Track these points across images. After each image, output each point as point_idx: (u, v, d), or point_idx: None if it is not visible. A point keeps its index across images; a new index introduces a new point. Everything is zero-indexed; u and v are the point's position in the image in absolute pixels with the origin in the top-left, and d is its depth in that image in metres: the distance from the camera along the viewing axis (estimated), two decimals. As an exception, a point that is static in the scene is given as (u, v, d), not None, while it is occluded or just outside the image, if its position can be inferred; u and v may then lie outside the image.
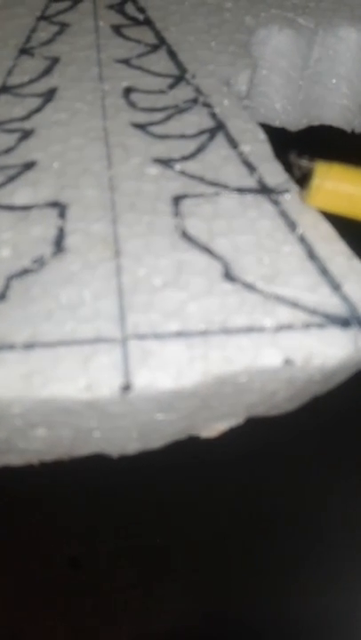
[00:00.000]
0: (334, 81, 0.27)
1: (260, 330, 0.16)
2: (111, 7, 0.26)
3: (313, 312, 0.17)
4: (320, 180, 0.19)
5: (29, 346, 0.16)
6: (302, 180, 0.19)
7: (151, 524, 0.19)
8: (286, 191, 0.19)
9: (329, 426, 0.21)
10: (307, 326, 0.16)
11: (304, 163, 0.19)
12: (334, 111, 0.28)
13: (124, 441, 0.18)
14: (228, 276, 0.17)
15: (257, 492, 0.19)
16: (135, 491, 0.19)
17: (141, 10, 0.25)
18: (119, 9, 0.26)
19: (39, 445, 0.17)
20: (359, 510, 0.20)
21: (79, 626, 0.18)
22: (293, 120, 0.28)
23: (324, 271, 0.17)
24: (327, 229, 0.19)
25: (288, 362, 0.16)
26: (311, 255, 0.18)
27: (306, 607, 0.18)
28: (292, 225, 0.18)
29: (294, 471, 0.20)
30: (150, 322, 0.16)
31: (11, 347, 0.16)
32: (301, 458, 0.20)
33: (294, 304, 0.17)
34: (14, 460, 0.18)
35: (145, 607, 0.18)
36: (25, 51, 0.24)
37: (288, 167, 0.20)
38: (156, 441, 0.18)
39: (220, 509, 0.19)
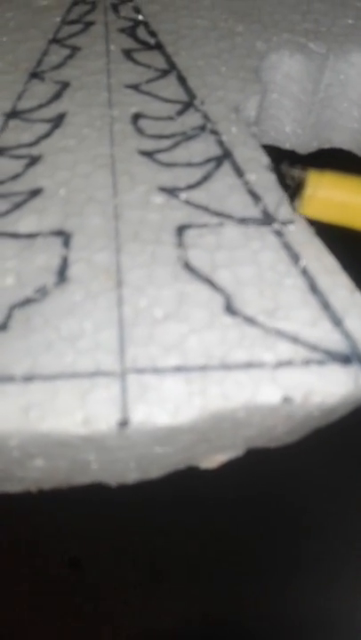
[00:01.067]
0: (345, 105, 0.26)
1: (260, 365, 0.16)
2: (123, 30, 0.26)
3: (313, 348, 0.17)
4: (313, 188, 0.19)
5: (28, 378, 0.16)
6: (295, 190, 0.19)
7: (151, 524, 0.19)
8: (290, 222, 0.19)
9: (331, 456, 0.21)
10: (307, 362, 0.16)
11: (296, 172, 0.19)
12: (345, 134, 0.27)
13: (122, 472, 0.18)
14: (230, 309, 0.17)
15: (256, 494, 0.19)
16: (135, 491, 0.19)
17: (153, 34, 0.25)
18: (131, 32, 0.26)
19: (37, 475, 0.17)
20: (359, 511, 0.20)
21: (79, 626, 0.18)
22: (304, 143, 0.27)
23: (325, 305, 0.17)
24: (330, 261, 0.18)
25: (287, 399, 0.16)
26: (313, 288, 0.18)
27: (306, 607, 0.18)
28: (295, 257, 0.18)
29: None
30: (150, 355, 0.16)
31: (10, 378, 0.16)
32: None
33: (295, 339, 0.17)
34: (12, 487, 0.18)
35: (145, 607, 0.18)
36: (36, 75, 0.24)
37: (281, 178, 0.20)
38: (155, 471, 0.18)
39: (220, 514, 0.19)
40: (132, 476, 0.18)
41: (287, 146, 0.27)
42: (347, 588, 0.19)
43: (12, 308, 0.17)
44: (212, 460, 0.18)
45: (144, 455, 0.17)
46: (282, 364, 0.16)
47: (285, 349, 0.16)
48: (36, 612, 0.18)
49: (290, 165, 0.19)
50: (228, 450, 0.18)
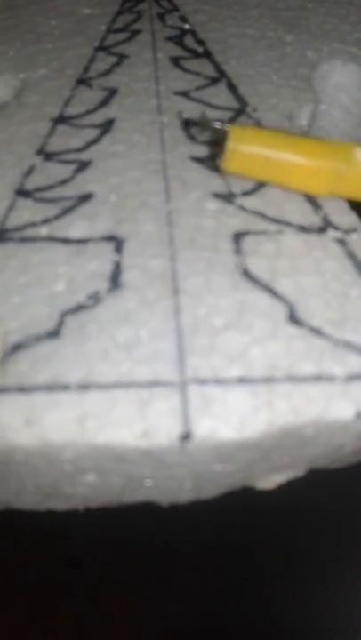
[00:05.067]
0: (396, 117, 0.26)
1: (330, 379, 0.15)
2: (170, 39, 0.25)
3: (385, 361, 0.16)
4: (234, 143, 0.18)
5: (84, 387, 0.15)
6: (214, 146, 0.18)
7: (151, 525, 0.18)
8: (354, 231, 0.18)
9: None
10: (379, 376, 0.15)
11: (217, 125, 0.18)
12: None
13: (176, 491, 0.16)
14: (294, 318, 0.16)
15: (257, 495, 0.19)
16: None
17: (201, 42, 0.25)
18: (178, 41, 0.25)
19: (87, 491, 0.16)
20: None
21: (79, 626, 0.17)
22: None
23: (395, 317, 0.16)
24: None
25: (360, 415, 0.15)
26: (381, 299, 0.17)
27: (306, 608, 0.18)
28: (360, 267, 0.17)
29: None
30: (211, 366, 0.15)
31: (65, 387, 0.15)
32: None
33: (365, 352, 0.16)
34: (59, 504, 0.17)
35: (145, 607, 0.18)
36: (83, 81, 0.23)
37: (200, 129, 0.19)
38: (211, 491, 0.17)
39: (220, 514, 0.18)
40: (185, 495, 0.17)
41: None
42: (347, 588, 0.18)
43: (64, 314, 0.16)
44: (270, 480, 0.17)
45: (202, 473, 0.16)
46: (353, 377, 0.15)
47: (356, 362, 0.15)
48: (36, 612, 0.17)
49: (211, 118, 0.19)
50: (289, 470, 0.17)
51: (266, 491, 0.17)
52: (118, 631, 0.17)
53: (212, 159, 0.19)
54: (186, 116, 0.20)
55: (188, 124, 0.20)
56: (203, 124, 0.19)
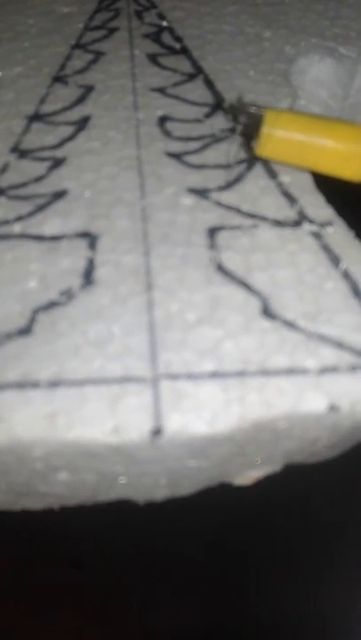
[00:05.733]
0: (375, 111, 0.26)
1: (303, 372, 0.15)
2: (147, 36, 0.25)
3: (360, 353, 0.15)
4: (269, 127, 0.18)
5: (54, 384, 0.15)
6: (249, 129, 0.19)
7: (152, 525, 0.18)
8: (330, 224, 0.18)
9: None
10: (353, 369, 0.15)
11: (253, 109, 0.19)
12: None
13: (151, 488, 0.16)
14: (267, 312, 0.16)
15: (257, 495, 0.18)
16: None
17: (178, 39, 0.25)
18: (155, 38, 0.25)
19: (61, 490, 0.16)
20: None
21: (79, 626, 0.17)
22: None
23: (370, 309, 0.16)
24: (373, 264, 0.17)
25: (333, 408, 0.15)
26: (356, 292, 0.17)
27: (306, 608, 0.18)
28: (335, 259, 0.17)
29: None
30: (183, 361, 0.15)
31: (35, 384, 0.15)
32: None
33: (339, 344, 0.16)
34: (34, 503, 0.17)
35: (145, 607, 0.18)
36: (59, 79, 0.23)
37: (233, 116, 0.19)
38: (186, 488, 0.17)
39: (220, 514, 0.18)
40: (161, 492, 0.17)
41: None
42: (347, 588, 0.18)
43: (36, 311, 0.16)
44: (247, 476, 0.17)
45: (176, 469, 0.16)
46: (326, 370, 0.15)
47: (330, 355, 0.15)
48: (37, 612, 0.17)
49: (246, 102, 0.19)
50: (265, 465, 0.17)
51: (243, 486, 0.17)
52: (118, 631, 0.17)
53: (247, 144, 0.19)
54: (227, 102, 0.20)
55: (226, 109, 0.20)
56: (239, 108, 0.19)
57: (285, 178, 0.19)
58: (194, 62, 0.24)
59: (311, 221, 0.18)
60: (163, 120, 0.21)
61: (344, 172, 0.19)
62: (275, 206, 0.19)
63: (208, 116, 0.22)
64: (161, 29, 0.26)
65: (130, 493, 0.17)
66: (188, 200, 0.19)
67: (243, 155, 0.20)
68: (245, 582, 0.18)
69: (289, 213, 0.19)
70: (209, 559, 0.18)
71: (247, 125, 0.19)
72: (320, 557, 0.18)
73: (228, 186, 0.19)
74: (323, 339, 0.16)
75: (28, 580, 0.18)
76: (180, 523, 0.18)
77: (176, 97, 0.22)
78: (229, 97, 0.22)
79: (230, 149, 0.19)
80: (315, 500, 0.19)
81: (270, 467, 0.17)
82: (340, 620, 0.18)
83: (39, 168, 0.20)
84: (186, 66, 0.24)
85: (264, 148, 0.19)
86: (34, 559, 0.18)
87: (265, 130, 0.18)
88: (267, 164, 0.20)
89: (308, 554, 0.18)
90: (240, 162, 0.20)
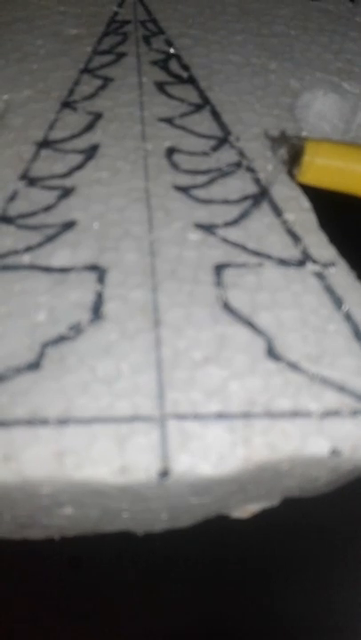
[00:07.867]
0: (376, 145, 0.26)
1: (306, 415, 0.15)
2: (155, 63, 0.25)
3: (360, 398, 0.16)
4: (310, 156, 0.20)
5: (63, 421, 0.15)
6: (292, 159, 0.21)
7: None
8: (332, 265, 0.19)
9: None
10: (354, 413, 0.16)
11: (294, 140, 0.21)
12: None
13: (152, 521, 0.17)
14: (272, 353, 0.17)
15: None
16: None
17: (185, 67, 0.25)
18: (163, 65, 0.25)
19: (64, 523, 0.16)
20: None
21: (79, 626, 0.17)
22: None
23: (371, 353, 0.17)
24: (374, 307, 0.18)
25: (335, 452, 0.15)
26: (358, 335, 0.17)
27: (306, 608, 0.18)
28: (337, 301, 0.18)
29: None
30: (190, 400, 0.16)
31: (44, 422, 0.15)
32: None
33: (341, 388, 0.16)
34: (36, 534, 0.17)
35: (145, 607, 0.18)
36: (67, 104, 0.23)
37: (275, 147, 0.21)
38: (185, 521, 0.17)
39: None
40: (161, 525, 0.17)
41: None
42: (346, 588, 0.18)
43: (45, 345, 0.16)
44: (245, 509, 0.17)
45: (178, 505, 0.16)
46: (329, 414, 0.15)
47: (332, 399, 0.16)
48: (36, 612, 0.18)
49: (290, 135, 0.21)
50: (264, 500, 0.17)
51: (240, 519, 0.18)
52: (118, 631, 0.17)
53: (290, 172, 0.21)
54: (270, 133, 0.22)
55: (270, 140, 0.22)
56: (281, 139, 0.21)
57: (290, 216, 0.20)
58: (201, 92, 0.24)
59: (315, 261, 0.19)
60: (170, 152, 0.22)
61: None
62: (280, 244, 0.19)
63: (215, 149, 0.22)
64: (169, 56, 0.26)
65: (131, 526, 0.17)
66: (195, 235, 0.19)
67: (252, 189, 0.20)
68: (246, 582, 0.18)
69: (293, 252, 0.19)
70: (210, 559, 0.18)
71: (290, 155, 0.21)
72: (321, 557, 0.18)
73: (235, 222, 0.20)
74: (325, 382, 0.16)
75: (28, 580, 0.18)
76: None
77: (183, 128, 0.23)
78: (236, 130, 0.23)
79: (271, 173, 0.21)
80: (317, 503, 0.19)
81: (269, 501, 0.17)
82: (340, 619, 0.18)
83: (48, 197, 0.20)
84: (193, 96, 0.24)
85: (305, 175, 0.21)
86: (33, 558, 0.18)
87: (306, 159, 0.20)
88: (272, 201, 0.20)
89: (310, 555, 0.19)
90: (247, 197, 0.20)
